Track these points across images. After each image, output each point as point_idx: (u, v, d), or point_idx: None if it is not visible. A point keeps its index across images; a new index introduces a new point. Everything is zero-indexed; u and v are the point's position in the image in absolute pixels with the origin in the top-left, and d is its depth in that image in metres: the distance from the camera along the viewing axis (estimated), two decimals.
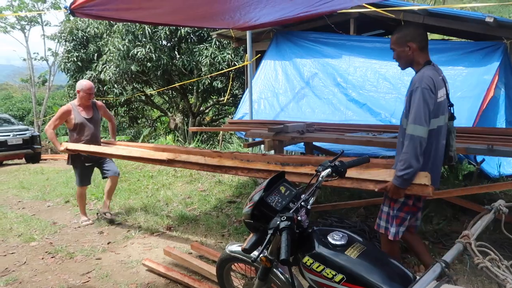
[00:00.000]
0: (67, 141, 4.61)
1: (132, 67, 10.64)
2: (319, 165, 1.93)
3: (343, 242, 1.61)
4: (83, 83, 4.58)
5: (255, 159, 3.23)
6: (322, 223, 4.10)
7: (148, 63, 10.67)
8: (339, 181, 2.42)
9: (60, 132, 16.70)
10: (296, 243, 1.64)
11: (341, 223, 3.94)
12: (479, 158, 4.69)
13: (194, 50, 10.62)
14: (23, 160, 11.94)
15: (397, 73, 5.35)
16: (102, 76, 11.24)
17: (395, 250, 2.54)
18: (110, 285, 3.16)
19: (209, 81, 11.08)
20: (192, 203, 5.41)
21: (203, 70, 10.50)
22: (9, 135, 11.06)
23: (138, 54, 10.19)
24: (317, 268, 1.58)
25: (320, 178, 1.83)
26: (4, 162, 11.61)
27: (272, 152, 4.16)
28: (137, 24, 10.34)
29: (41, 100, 23.17)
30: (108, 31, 11.40)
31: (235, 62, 10.00)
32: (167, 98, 15.35)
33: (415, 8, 5.37)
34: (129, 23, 10.37)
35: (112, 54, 10.74)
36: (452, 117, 2.52)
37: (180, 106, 14.37)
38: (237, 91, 12.26)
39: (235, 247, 2.21)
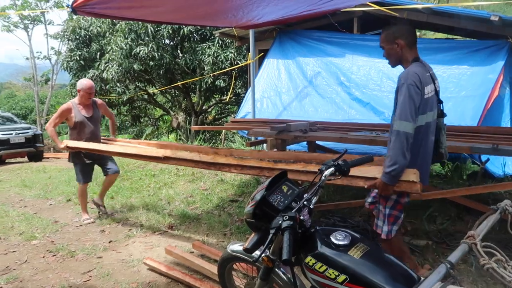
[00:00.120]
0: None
1: (135, 66, 10.64)
2: (322, 164, 1.90)
3: (346, 242, 1.58)
4: (84, 82, 4.59)
5: (249, 156, 3.24)
6: (324, 223, 4.07)
7: (151, 62, 10.67)
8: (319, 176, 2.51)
9: (63, 131, 16.75)
10: (299, 243, 1.62)
11: (343, 222, 3.91)
12: (483, 157, 4.65)
13: (197, 49, 10.61)
14: (26, 159, 11.97)
15: (401, 72, 5.30)
16: (104, 75, 11.24)
17: (394, 249, 2.51)
18: (111, 284, 3.14)
19: (211, 80, 11.07)
20: (194, 202, 5.39)
21: (205, 69, 10.50)
22: (11, 134, 11.08)
23: (141, 53, 10.19)
24: (319, 268, 1.55)
25: (323, 177, 1.80)
26: (7, 161, 11.63)
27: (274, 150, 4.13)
28: (139, 22, 10.33)
29: (44, 99, 23.24)
30: (110, 30, 11.39)
31: (238, 61, 9.98)
32: (169, 97, 15.36)
33: (419, 6, 5.33)
34: (131, 22, 10.37)
35: (114, 53, 10.74)
36: (442, 114, 2.53)
37: (183, 105, 14.37)
38: (239, 90, 12.25)
39: (236, 247, 2.18)
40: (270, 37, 6.92)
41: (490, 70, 4.85)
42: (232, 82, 10.07)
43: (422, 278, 1.48)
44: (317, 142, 4.74)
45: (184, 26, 10.28)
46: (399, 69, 5.29)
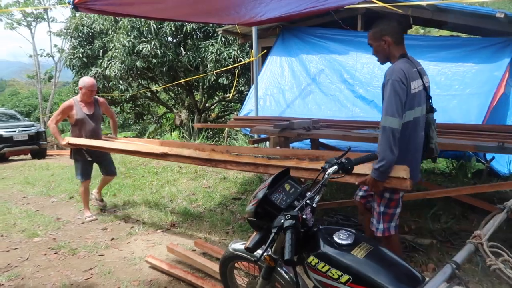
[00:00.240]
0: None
1: (138, 63, 10.63)
2: (325, 162, 1.87)
3: (349, 242, 1.55)
4: (86, 80, 4.61)
5: (244, 152, 3.28)
6: (328, 221, 4.04)
7: (154, 59, 10.64)
8: (309, 173, 2.54)
9: (66, 128, 16.78)
10: (301, 242, 1.59)
11: (347, 221, 3.88)
12: (488, 155, 4.61)
13: (200, 46, 10.58)
14: (29, 156, 11.99)
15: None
16: (107, 72, 11.23)
17: (394, 246, 2.48)
18: (113, 282, 3.13)
19: (214, 78, 11.04)
20: (196, 199, 5.37)
21: (208, 66, 10.46)
22: (14, 131, 11.10)
23: (144, 50, 10.17)
24: (322, 268, 1.52)
25: (326, 176, 1.77)
26: (10, 158, 11.66)
27: (278, 148, 4.10)
28: (142, 20, 10.31)
29: (47, 96, 23.28)
30: (113, 27, 11.38)
31: (241, 59, 9.94)
32: (172, 95, 15.35)
33: (424, 3, 5.27)
34: (134, 19, 10.35)
35: (117, 50, 10.72)
36: (431, 110, 2.55)
37: (186, 102, 14.36)
38: (243, 88, 12.21)
39: (238, 245, 2.16)
40: (273, 35, 6.89)
41: (495, 68, 4.81)
42: (235, 80, 10.03)
43: (427, 279, 1.45)
44: (320, 140, 4.70)
45: (187, 23, 10.25)
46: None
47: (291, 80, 6.24)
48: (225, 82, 12.07)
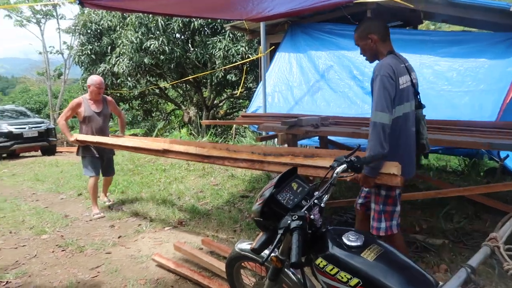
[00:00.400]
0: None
1: (145, 60, 10.63)
2: (334, 160, 1.82)
3: (359, 244, 1.50)
4: (94, 78, 4.75)
5: (242, 150, 3.32)
6: (337, 220, 3.98)
7: (161, 56, 10.64)
8: (315, 170, 2.56)
9: (76, 125, 16.89)
10: (309, 243, 1.54)
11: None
12: (502, 153, 4.50)
13: (208, 42, 10.54)
14: (39, 153, 12.08)
15: (416, 65, 5.05)
16: (115, 69, 11.26)
17: (398, 246, 2.42)
18: (119, 281, 3.11)
19: (222, 74, 11.00)
20: (204, 197, 5.35)
21: (216, 63, 10.42)
22: (24, 128, 11.19)
23: (151, 47, 10.16)
24: (330, 270, 1.47)
25: (334, 174, 1.71)
26: (21, 155, 11.77)
27: (286, 146, 4.05)
28: (150, 16, 10.30)
29: (57, 93, 23.48)
30: (121, 24, 11.39)
31: (249, 55, 9.88)
32: (181, 92, 15.35)
33: None
34: (142, 16, 10.34)
35: (125, 47, 10.74)
36: (420, 106, 2.57)
37: (194, 99, 14.35)
38: (251, 85, 12.16)
39: (244, 245, 2.12)
40: (281, 30, 6.81)
41: (509, 63, 4.68)
42: (243, 76, 9.97)
43: (440, 283, 1.39)
44: (329, 137, 4.63)
45: (194, 19, 10.21)
46: (416, 62, 5.11)
47: (300, 76, 6.16)
48: (233, 78, 12.01)
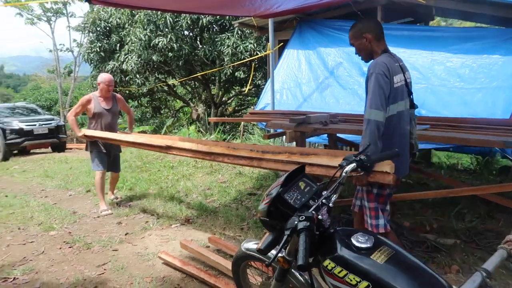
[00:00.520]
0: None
1: (154, 57, 10.62)
2: (343, 159, 1.77)
3: (368, 245, 1.44)
4: (104, 76, 4.89)
5: (242, 147, 3.37)
6: (345, 219, 3.92)
7: (170, 53, 10.62)
8: (310, 168, 2.56)
9: (86, 122, 17.00)
10: (316, 244, 1.49)
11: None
12: None
13: (216, 39, 10.50)
14: (49, 149, 12.19)
15: (427, 62, 5.08)
16: (124, 66, 11.28)
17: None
18: (125, 278, 3.10)
19: (231, 71, 10.96)
20: (211, 194, 5.33)
21: (225, 60, 10.38)
22: (35, 125, 11.29)
23: (160, 44, 10.15)
24: (339, 273, 1.42)
25: (344, 174, 1.66)
26: (32, 151, 11.88)
27: (294, 144, 4.00)
28: (158, 13, 10.29)
29: (67, 91, 23.66)
30: (130, 21, 11.39)
31: (257, 52, 9.82)
32: (189, 89, 15.35)
33: None
34: (150, 13, 10.34)
35: (133, 44, 10.74)
36: (412, 105, 2.60)
37: (203, 96, 14.34)
38: (259, 82, 12.10)
39: (251, 245, 2.08)
40: (290, 27, 6.74)
41: None
42: (252, 74, 9.92)
43: (454, 287, 1.34)
44: (338, 135, 4.56)
45: (203, 16, 10.18)
46: (427, 59, 5.03)
47: (308, 73, 6.09)
48: (242, 76, 11.98)
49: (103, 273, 3.20)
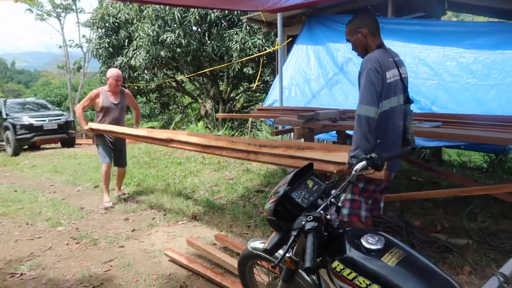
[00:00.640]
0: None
1: (162, 53, 10.60)
2: (353, 156, 1.71)
3: (379, 247, 1.38)
4: (112, 71, 4.96)
5: (240, 141, 3.41)
6: None
7: (178, 49, 10.59)
8: (303, 162, 2.46)
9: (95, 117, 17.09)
10: (325, 245, 1.44)
11: (374, 217, 3.67)
12: None
13: (224, 35, 10.44)
14: (59, 145, 12.28)
15: (439, 57, 4.97)
16: (132, 62, 11.28)
17: None
18: (131, 275, 3.08)
19: (239, 67, 10.89)
20: (219, 191, 5.29)
21: (233, 56, 10.32)
22: (45, 120, 11.38)
23: (168, 39, 10.12)
24: (348, 275, 1.37)
25: (353, 172, 1.61)
26: (41, 146, 11.99)
27: (302, 141, 3.94)
28: (166, 9, 10.26)
29: (77, 86, 23.82)
30: (138, 17, 11.38)
31: (266, 48, 9.74)
32: (197, 85, 15.33)
33: None
34: (158, 8, 10.30)
35: (142, 40, 10.73)
36: (408, 101, 2.58)
37: (211, 92, 14.31)
38: (268, 78, 12.02)
39: (257, 244, 2.03)
40: (299, 22, 6.66)
41: None
42: (260, 70, 9.85)
43: None
44: (347, 131, 4.49)
45: (211, 12, 10.12)
46: (439, 54, 4.93)
47: (317, 69, 6.01)
48: (250, 72, 11.90)
49: (109, 270, 3.18)
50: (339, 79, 5.72)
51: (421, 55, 5.12)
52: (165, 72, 13.31)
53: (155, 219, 4.37)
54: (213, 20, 10.44)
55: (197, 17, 10.28)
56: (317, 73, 6.00)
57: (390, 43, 5.39)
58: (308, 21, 6.38)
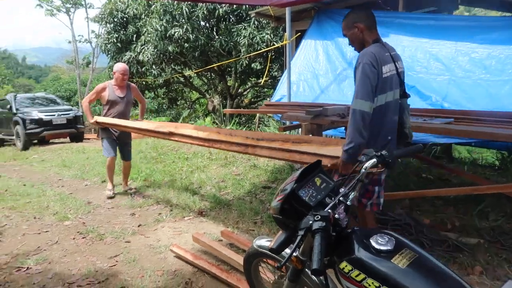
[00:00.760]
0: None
1: (170, 48, 10.57)
2: (362, 154, 1.66)
3: (389, 248, 1.33)
4: (119, 65, 5.03)
5: (239, 134, 3.39)
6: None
7: (186, 44, 10.56)
8: (300, 155, 2.55)
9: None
10: (333, 245, 1.39)
11: (383, 215, 3.61)
12: None
13: (232, 30, 10.37)
14: (68, 139, 12.36)
15: (451, 53, 4.86)
16: (140, 57, 11.28)
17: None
18: (137, 271, 3.06)
19: (247, 63, 10.82)
20: (225, 187, 5.26)
21: (241, 51, 10.25)
22: (54, 115, 11.46)
23: (176, 34, 10.08)
24: (356, 277, 1.32)
25: (363, 170, 1.55)
26: (51, 141, 12.07)
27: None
28: (174, 3, 10.21)
29: (86, 81, 23.94)
30: (146, 12, 11.36)
31: (274, 43, 9.65)
32: (205, 80, 15.30)
33: None
34: (166, 3, 10.26)
35: (150, 35, 10.71)
36: (405, 95, 2.60)
37: (219, 88, 14.27)
38: (276, 73, 11.95)
39: (263, 242, 1.99)
40: (307, 17, 6.58)
41: None
42: (268, 65, 9.78)
43: None
44: None
45: (219, 6, 10.05)
46: (451, 50, 4.83)
47: (326, 64, 5.93)
48: (258, 67, 11.84)
49: (114, 265, 3.17)
50: (348, 74, 5.64)
51: (432, 50, 5.02)
52: (173, 67, 13.29)
53: (162, 214, 4.35)
54: (221, 14, 10.38)
55: (205, 11, 10.22)
56: (326, 68, 5.93)
57: (401, 38, 5.34)
58: (317, 16, 6.30)
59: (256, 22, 9.96)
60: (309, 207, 1.44)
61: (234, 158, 6.50)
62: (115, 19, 12.30)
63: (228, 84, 13.88)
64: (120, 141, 5.09)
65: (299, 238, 1.27)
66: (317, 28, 6.24)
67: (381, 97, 2.34)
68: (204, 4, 9.92)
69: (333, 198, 1.47)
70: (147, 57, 10.99)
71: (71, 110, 12.36)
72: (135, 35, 11.98)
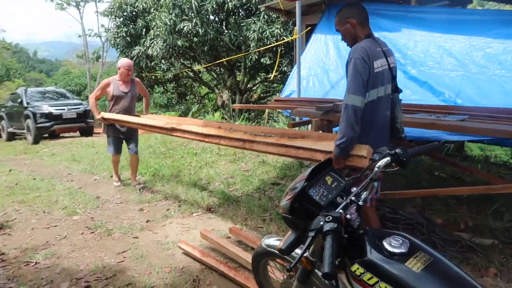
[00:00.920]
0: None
1: (179, 42, 10.52)
2: (375, 152, 1.60)
3: (403, 250, 1.28)
4: (123, 60, 5.10)
5: (238, 129, 3.40)
6: None
7: (195, 38, 10.49)
8: (296, 151, 2.61)
9: None
10: (344, 247, 1.34)
11: (394, 214, 3.55)
12: None
13: (242, 24, 10.28)
14: (78, 133, 12.45)
15: (464, 48, 4.74)
16: (149, 51, 11.26)
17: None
18: (144, 267, 3.05)
19: (256, 57, 10.74)
20: (234, 183, 5.23)
21: (251, 45, 10.17)
22: (64, 109, 11.53)
23: (185, 28, 10.03)
24: (369, 280, 1.27)
25: (376, 169, 1.50)
26: (61, 135, 12.16)
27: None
28: None
29: (96, 76, 24.06)
30: (155, 6, 11.32)
31: (284, 37, 9.55)
32: (215, 75, 15.25)
33: None
34: None
35: (159, 29, 10.68)
36: (396, 90, 2.63)
37: (228, 83, 14.21)
38: (285, 68, 11.84)
39: (272, 241, 1.95)
40: (318, 11, 6.49)
41: None
42: (278, 60, 9.69)
43: None
44: None
45: (228, 0, 9.97)
46: (464, 44, 4.72)
47: (337, 59, 5.84)
48: (268, 62, 11.74)
49: (122, 261, 3.16)
50: None
51: (445, 45, 4.90)
52: (182, 61, 13.26)
53: (170, 210, 4.34)
54: (230, 9, 10.29)
55: (214, 5, 10.14)
56: (336, 63, 5.83)
57: (413, 32, 5.23)
58: (327, 10, 6.20)
59: (265, 16, 9.86)
60: (320, 206, 1.39)
61: (243, 154, 6.47)
62: (124, 13, 12.27)
63: (237, 79, 13.81)
64: (127, 136, 5.17)
65: (309, 239, 1.22)
66: (327, 22, 6.14)
67: (373, 92, 2.36)
68: None
69: (344, 198, 1.42)
70: (156, 51, 10.97)
71: (81, 104, 12.43)
72: (144, 29, 11.95)
